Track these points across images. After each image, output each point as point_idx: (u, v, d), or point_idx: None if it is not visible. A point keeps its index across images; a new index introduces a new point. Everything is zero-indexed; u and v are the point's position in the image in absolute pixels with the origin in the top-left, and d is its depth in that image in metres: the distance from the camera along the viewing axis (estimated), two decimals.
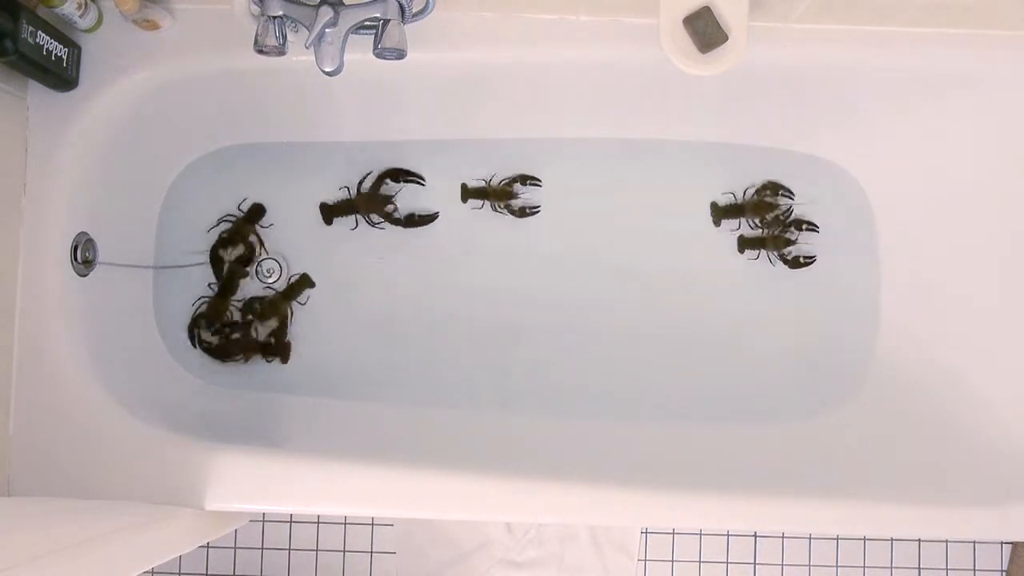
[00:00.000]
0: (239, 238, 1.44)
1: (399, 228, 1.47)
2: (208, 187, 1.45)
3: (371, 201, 1.45)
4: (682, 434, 1.41)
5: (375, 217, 1.46)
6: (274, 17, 1.04)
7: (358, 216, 1.47)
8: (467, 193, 1.47)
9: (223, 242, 1.44)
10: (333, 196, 1.47)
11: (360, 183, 1.46)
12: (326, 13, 1.02)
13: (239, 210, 1.45)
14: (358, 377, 1.46)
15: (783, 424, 1.43)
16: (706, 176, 1.49)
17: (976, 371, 1.33)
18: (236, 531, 1.60)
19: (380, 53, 1.08)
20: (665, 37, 1.10)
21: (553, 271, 1.49)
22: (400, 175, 1.46)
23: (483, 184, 1.47)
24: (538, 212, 1.48)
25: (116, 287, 1.28)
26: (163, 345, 1.39)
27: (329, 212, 1.46)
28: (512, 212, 1.47)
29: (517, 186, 1.47)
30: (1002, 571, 1.62)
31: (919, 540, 1.62)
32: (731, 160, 1.48)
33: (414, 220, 1.47)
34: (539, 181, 1.48)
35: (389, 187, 1.47)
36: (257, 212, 1.46)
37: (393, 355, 1.47)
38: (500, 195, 1.46)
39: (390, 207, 1.46)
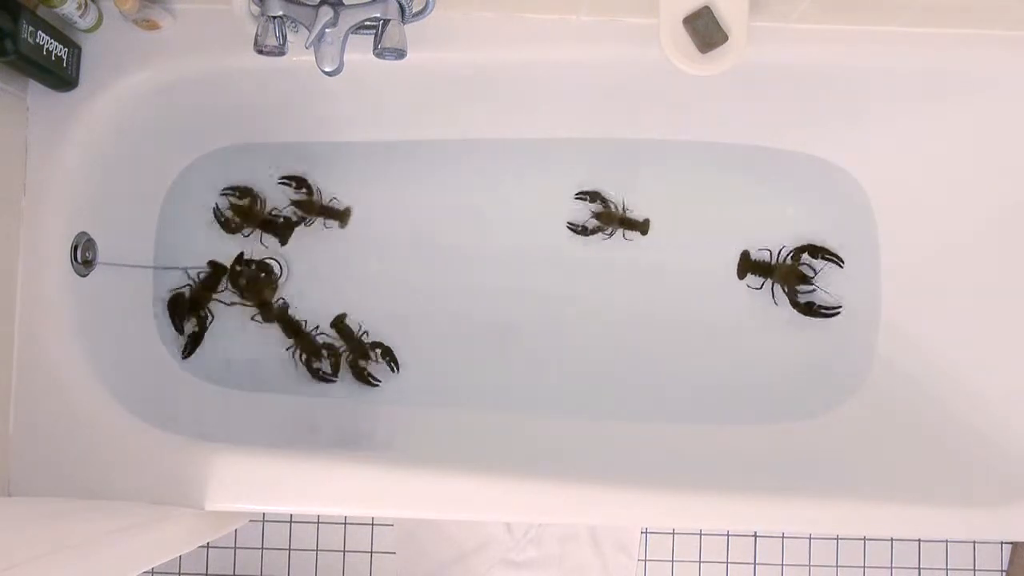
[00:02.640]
0: (200, 305, 1.42)
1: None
2: (208, 187, 1.45)
3: (789, 275, 1.44)
4: (682, 434, 1.41)
5: (784, 292, 1.45)
6: (274, 17, 1.04)
7: (772, 282, 1.45)
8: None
9: (182, 302, 1.42)
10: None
11: (779, 256, 1.45)
12: (326, 13, 1.02)
13: (191, 278, 1.43)
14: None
15: (783, 424, 1.43)
16: (705, 177, 1.49)
17: (976, 371, 1.33)
18: (236, 531, 1.59)
19: (380, 53, 1.08)
20: (665, 37, 1.10)
21: (553, 271, 1.49)
22: (819, 252, 1.45)
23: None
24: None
25: (116, 287, 1.28)
26: (163, 345, 1.39)
27: (746, 267, 1.46)
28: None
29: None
30: (1002, 571, 1.62)
31: (919, 540, 1.62)
32: (731, 160, 1.48)
33: (812, 310, 1.45)
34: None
35: (806, 265, 1.45)
36: (216, 278, 1.43)
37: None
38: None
39: (802, 287, 1.44)
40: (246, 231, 1.45)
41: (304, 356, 1.43)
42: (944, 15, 1.16)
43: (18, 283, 1.12)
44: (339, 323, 1.45)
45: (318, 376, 1.44)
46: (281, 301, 1.45)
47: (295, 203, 1.45)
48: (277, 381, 1.44)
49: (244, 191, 1.44)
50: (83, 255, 1.18)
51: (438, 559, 1.59)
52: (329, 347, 1.45)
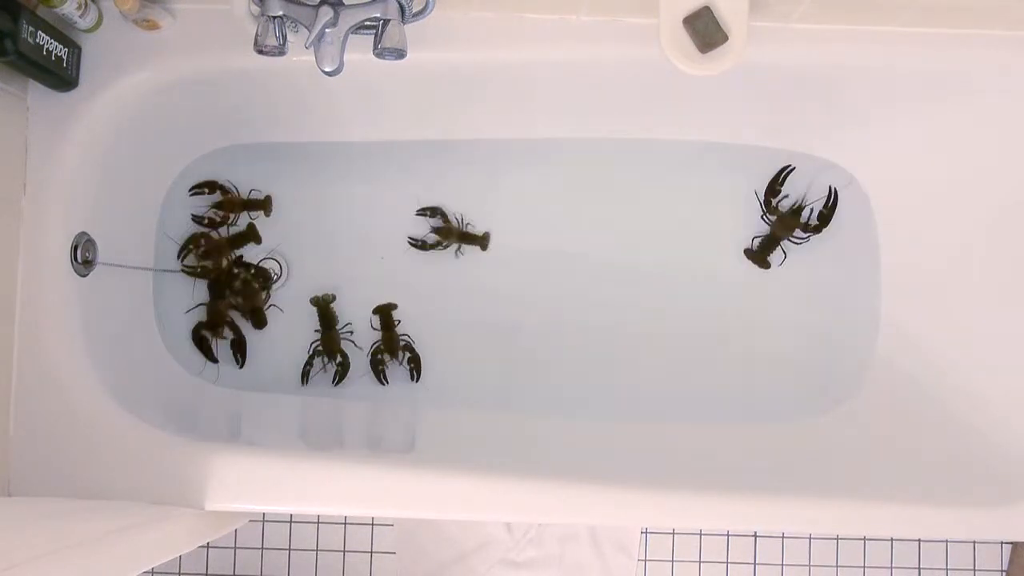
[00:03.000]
0: (219, 319, 1.43)
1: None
2: None
3: (787, 222, 1.45)
4: (682, 434, 1.41)
5: (797, 235, 1.45)
6: (274, 17, 1.04)
7: (787, 240, 1.46)
8: None
9: (205, 325, 1.43)
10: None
11: (765, 210, 1.46)
12: (326, 13, 1.02)
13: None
14: (357, 378, 1.46)
15: (783, 424, 1.43)
16: (705, 177, 1.49)
17: (976, 371, 1.33)
18: (236, 531, 1.59)
19: (380, 53, 1.08)
20: (665, 37, 1.10)
21: (553, 271, 1.49)
22: (775, 182, 1.45)
23: None
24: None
25: (116, 287, 1.28)
26: (163, 345, 1.39)
27: (760, 255, 1.47)
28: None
29: None
30: (1002, 571, 1.62)
31: (919, 540, 1.62)
32: (730, 160, 1.48)
33: (827, 213, 1.45)
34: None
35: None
36: (218, 287, 1.44)
37: None
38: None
39: (802, 217, 1.45)
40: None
41: (319, 348, 1.43)
42: (944, 15, 1.16)
43: (18, 283, 1.12)
44: (386, 311, 1.45)
45: (305, 373, 1.43)
46: (330, 295, 1.45)
47: (215, 206, 1.44)
48: (279, 382, 1.44)
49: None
50: (83, 255, 1.18)
51: (438, 559, 1.59)
52: (344, 355, 1.44)
